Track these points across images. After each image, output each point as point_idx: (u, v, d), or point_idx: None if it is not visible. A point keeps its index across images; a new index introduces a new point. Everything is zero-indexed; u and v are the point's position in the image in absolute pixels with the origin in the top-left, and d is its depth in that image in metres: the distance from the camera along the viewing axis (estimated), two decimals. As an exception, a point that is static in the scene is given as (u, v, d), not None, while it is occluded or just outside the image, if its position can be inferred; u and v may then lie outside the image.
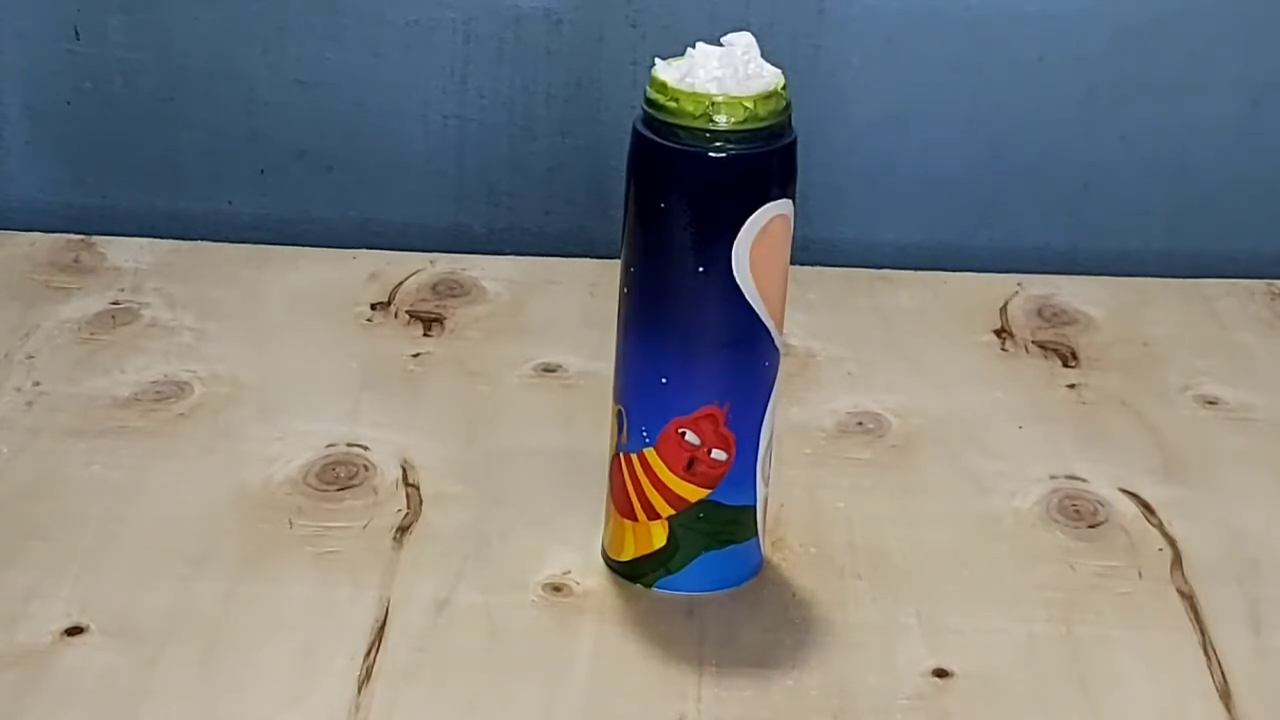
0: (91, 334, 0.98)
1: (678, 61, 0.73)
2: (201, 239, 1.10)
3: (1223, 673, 0.76)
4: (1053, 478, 0.89)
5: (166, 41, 1.11)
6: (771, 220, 0.73)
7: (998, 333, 1.03)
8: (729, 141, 0.72)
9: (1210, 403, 0.96)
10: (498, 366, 0.97)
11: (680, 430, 0.76)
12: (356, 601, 0.78)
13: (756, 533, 0.80)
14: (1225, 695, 0.75)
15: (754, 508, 0.79)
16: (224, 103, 1.12)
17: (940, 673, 0.75)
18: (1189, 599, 0.80)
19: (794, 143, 0.74)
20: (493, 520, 0.84)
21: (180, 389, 0.93)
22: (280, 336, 0.99)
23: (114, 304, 1.02)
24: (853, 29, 1.10)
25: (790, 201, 0.74)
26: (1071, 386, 0.97)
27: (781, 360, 0.77)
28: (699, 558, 0.78)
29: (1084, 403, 0.96)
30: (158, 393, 0.93)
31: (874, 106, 1.12)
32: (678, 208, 0.73)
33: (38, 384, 0.93)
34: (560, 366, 0.97)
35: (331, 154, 1.13)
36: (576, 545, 0.82)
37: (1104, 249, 1.14)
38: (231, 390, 0.93)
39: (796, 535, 0.83)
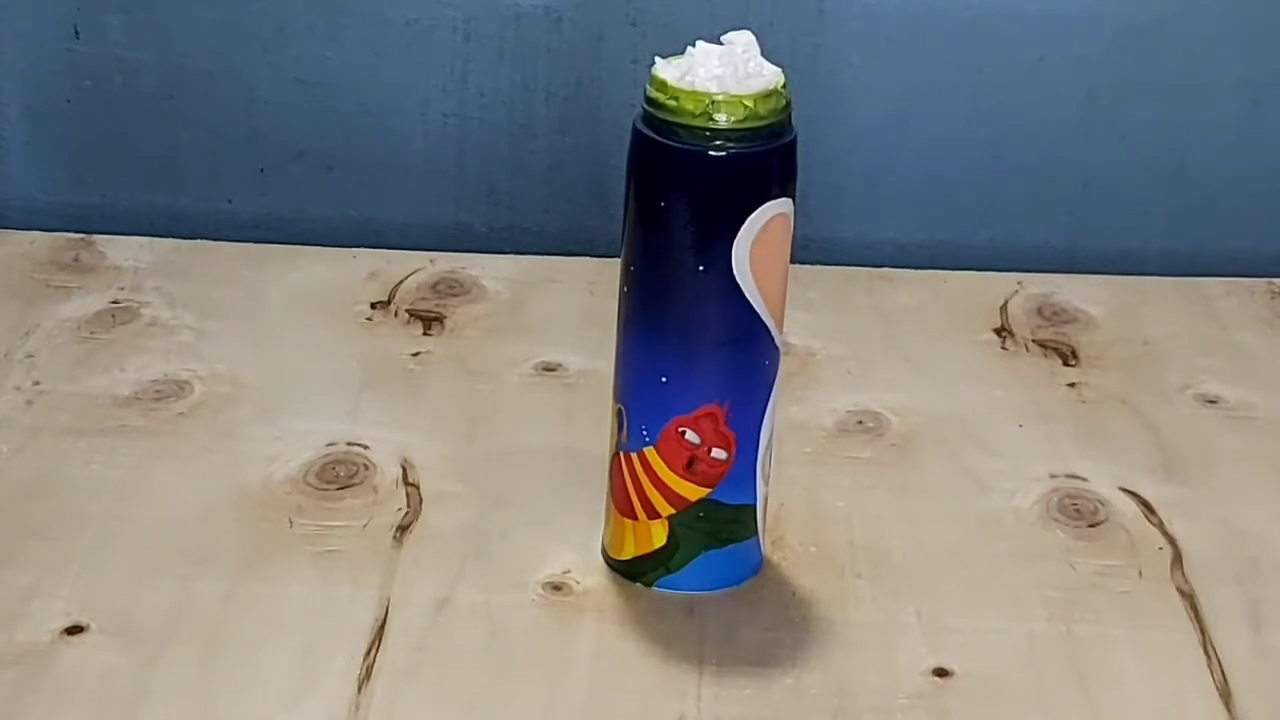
0: (91, 333, 0.98)
1: (678, 60, 0.73)
2: (201, 238, 1.10)
3: (1223, 672, 0.76)
4: (1053, 477, 0.89)
5: (166, 41, 1.11)
6: (771, 219, 0.73)
7: (998, 331, 1.03)
8: (729, 140, 0.72)
9: (1210, 402, 0.96)
10: (498, 365, 0.97)
11: (680, 429, 0.76)
12: (356, 601, 0.78)
13: (756, 532, 0.80)
14: (1225, 694, 0.75)
15: (754, 507, 0.79)
16: (224, 103, 1.12)
17: (940, 672, 0.75)
18: (1189, 598, 0.80)
19: (794, 141, 0.74)
20: (493, 519, 0.84)
21: (180, 388, 0.93)
22: (280, 336, 0.99)
23: (114, 303, 1.02)
24: (853, 28, 1.10)
25: (790, 200, 0.74)
26: (1071, 385, 0.97)
27: (781, 359, 0.77)
28: (699, 557, 0.78)
29: (1084, 402, 0.96)
30: (158, 392, 0.93)
31: (874, 106, 1.12)
32: (678, 206, 0.73)
33: (38, 383, 0.93)
34: (560, 365, 0.97)
35: (331, 154, 1.13)
36: (576, 544, 0.82)
37: (1104, 248, 1.14)
38: (231, 389, 0.93)
39: (796, 534, 0.83)
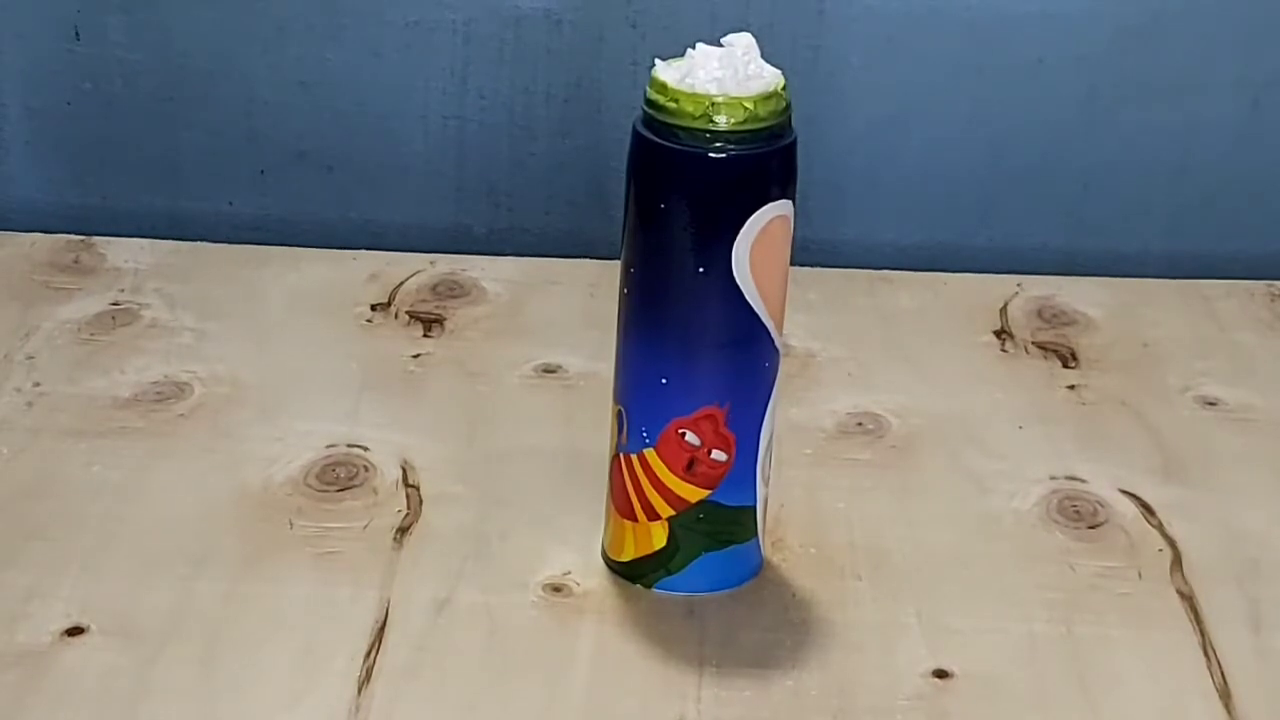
0: (91, 334, 0.98)
1: (678, 62, 0.73)
2: (201, 239, 1.10)
3: (1223, 673, 0.76)
4: (1053, 478, 0.89)
5: (166, 41, 1.11)
6: (771, 221, 0.73)
7: (998, 333, 1.03)
8: (729, 142, 0.72)
9: (1210, 403, 0.96)
10: (498, 367, 0.97)
11: (680, 431, 0.76)
12: (356, 601, 0.78)
13: (756, 533, 0.80)
14: (1225, 695, 0.75)
15: (754, 508, 0.79)
16: (224, 103, 1.12)
17: (940, 673, 0.75)
18: (1189, 599, 0.80)
19: (794, 143, 0.74)
20: (493, 520, 0.84)
21: (180, 389, 0.93)
22: (280, 337, 0.99)
23: (114, 304, 1.02)
24: (853, 29, 1.10)
25: (790, 202, 0.74)
26: (1071, 387, 0.97)
27: (781, 361, 0.77)
28: (699, 558, 0.78)
29: (1084, 403, 0.96)
30: (158, 393, 0.93)
31: (874, 106, 1.12)
32: (678, 208, 0.73)
33: (38, 384, 0.93)
34: (560, 367, 0.97)
35: (331, 154, 1.13)
36: (576, 545, 0.82)
37: (1104, 249, 1.14)
38: (231, 390, 0.93)
39: (796, 535, 0.83)
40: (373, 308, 1.03)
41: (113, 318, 1.00)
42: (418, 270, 1.07)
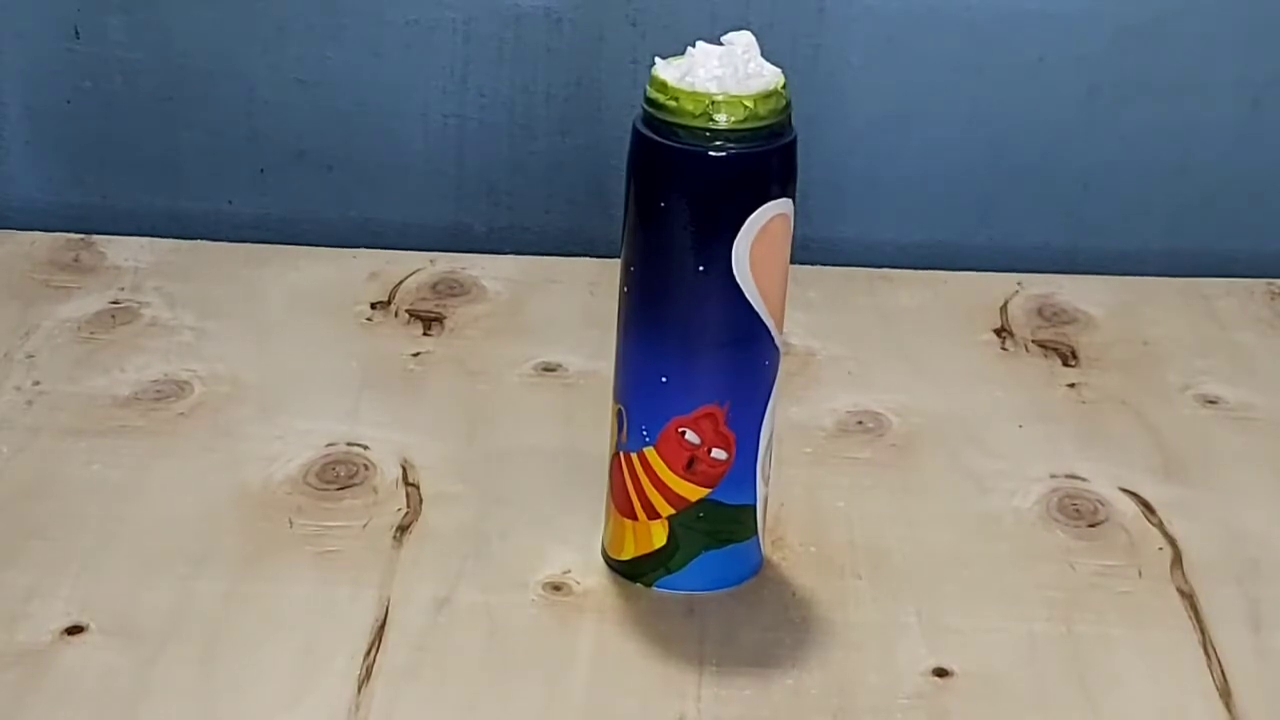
0: (91, 333, 0.98)
1: (678, 60, 0.73)
2: (202, 239, 1.10)
3: (1223, 672, 0.76)
4: (1053, 477, 0.89)
5: (166, 41, 1.11)
6: (771, 219, 0.73)
7: (998, 332, 1.03)
8: (729, 141, 0.72)
9: (1210, 402, 0.96)
10: (498, 366, 0.97)
11: (680, 429, 0.76)
12: (356, 601, 0.78)
13: (756, 532, 0.80)
14: (1225, 694, 0.75)
15: (754, 507, 0.79)
16: (224, 103, 1.12)
17: (940, 672, 0.75)
18: (1189, 598, 0.80)
19: (794, 142, 0.74)
20: (493, 520, 0.84)
21: (180, 388, 0.93)
22: (280, 336, 0.99)
23: (114, 303, 1.02)
24: (853, 29, 1.10)
25: (790, 201, 0.74)
26: (1071, 386, 0.97)
27: (781, 359, 0.77)
28: (699, 557, 0.78)
29: (1084, 402, 0.96)
30: (158, 392, 0.93)
31: (874, 106, 1.12)
32: (678, 207, 0.73)
33: (38, 383, 0.93)
34: (560, 366, 0.97)
35: (331, 154, 1.13)
36: (576, 545, 0.82)
37: (1104, 249, 1.14)
38: (231, 390, 0.93)
39: (796, 534, 0.83)
40: (373, 306, 1.03)
41: (113, 316, 1.00)
42: (418, 269, 1.07)
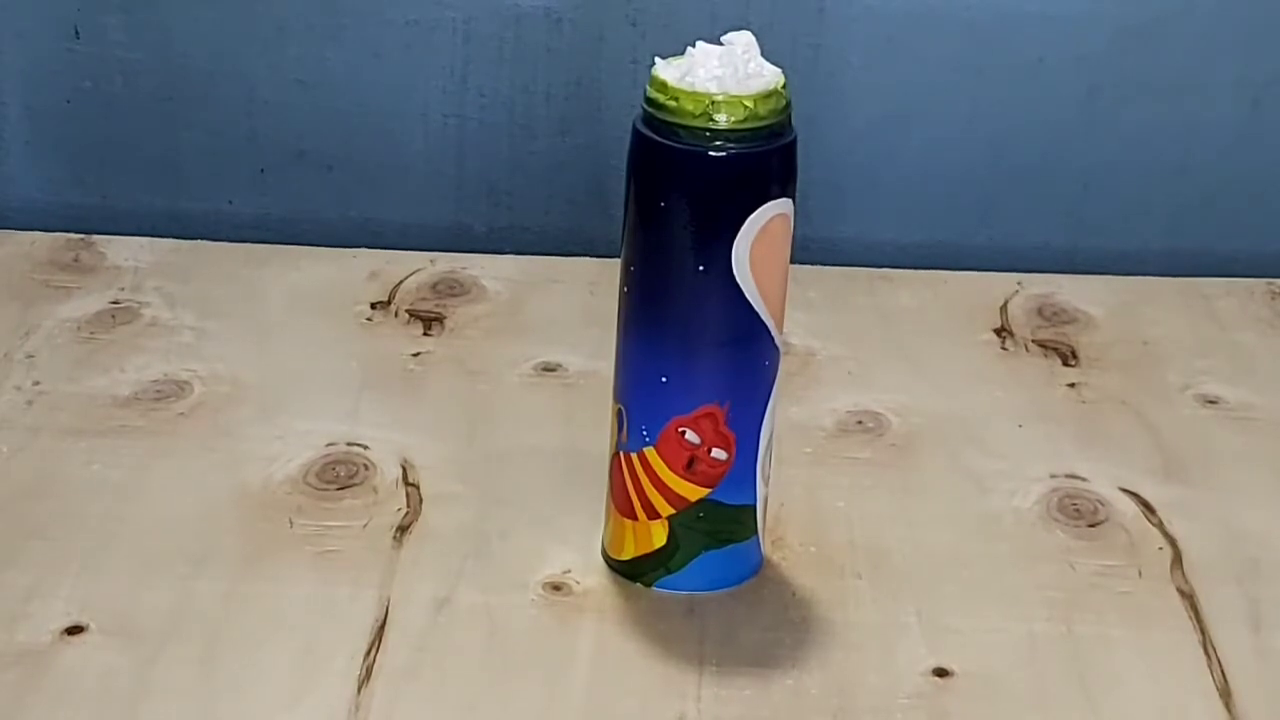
0: (91, 333, 0.98)
1: (678, 60, 0.73)
2: (202, 239, 1.10)
3: (1223, 672, 0.76)
4: (1053, 477, 0.89)
5: (166, 41, 1.11)
6: (771, 219, 0.73)
7: (998, 332, 1.03)
8: (729, 140, 0.72)
9: (1210, 402, 0.96)
10: (498, 366, 0.97)
11: (680, 429, 0.76)
12: (356, 601, 0.78)
13: (756, 532, 0.80)
14: (1225, 694, 0.75)
15: (754, 507, 0.79)
16: (224, 103, 1.12)
17: (940, 672, 0.75)
18: (1189, 598, 0.80)
19: (794, 142, 0.74)
20: (493, 520, 0.84)
21: (180, 388, 0.93)
22: (280, 336, 0.99)
23: (114, 303, 1.02)
24: (853, 29, 1.10)
25: (790, 200, 0.74)
26: (1071, 386, 0.97)
27: (781, 359, 0.77)
28: (699, 557, 0.78)
29: (1084, 402, 0.96)
30: (158, 392, 0.93)
31: (874, 106, 1.12)
32: (678, 207, 0.73)
33: (38, 383, 0.93)
34: (560, 366, 0.97)
35: (331, 154, 1.13)
36: (576, 544, 0.82)
37: (1104, 249, 1.14)
38: (231, 390, 0.93)
39: (796, 534, 0.83)
40: (373, 306, 1.03)
41: (113, 316, 1.00)
42: (418, 269, 1.07)
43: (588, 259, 1.08)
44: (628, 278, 0.75)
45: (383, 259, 1.08)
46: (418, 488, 0.86)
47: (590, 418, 0.88)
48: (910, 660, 0.76)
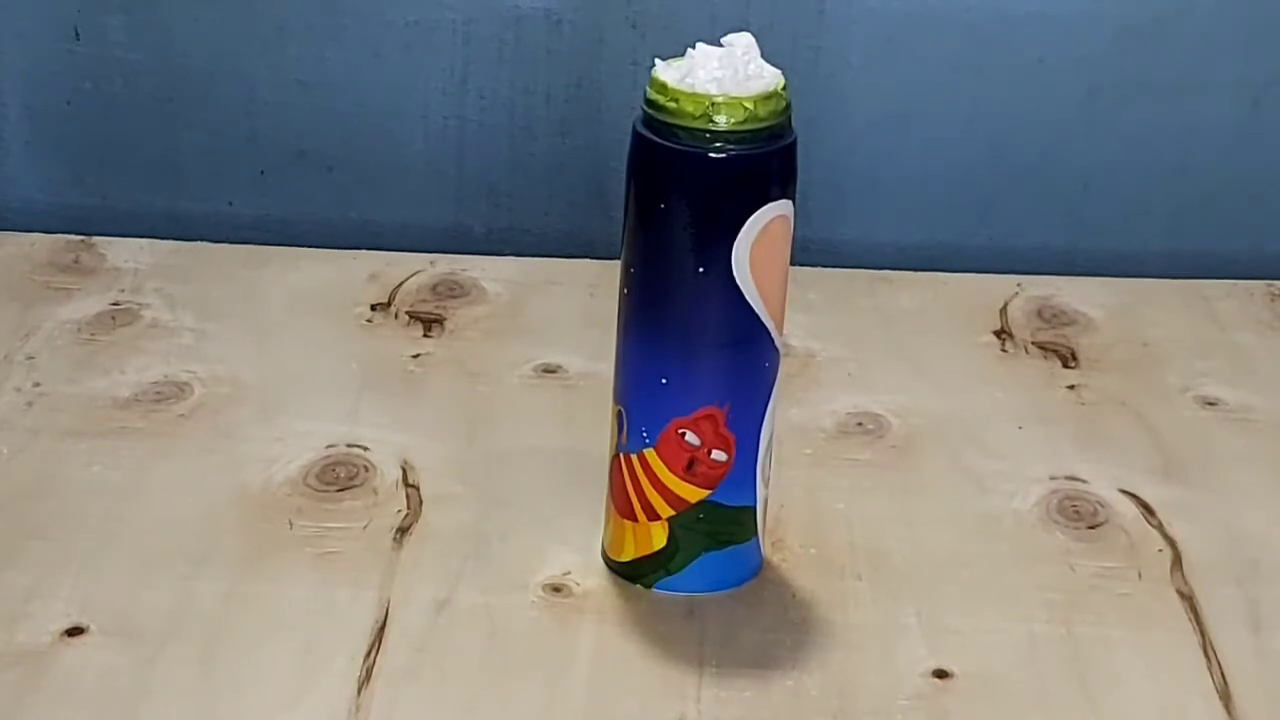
0: (91, 334, 0.98)
1: (678, 62, 0.73)
2: (201, 239, 1.10)
3: (1223, 673, 0.76)
4: (1052, 478, 0.89)
5: (166, 41, 1.11)
6: (771, 221, 0.73)
7: (998, 333, 1.03)
8: (729, 142, 0.72)
9: (1210, 403, 0.96)
10: (498, 367, 0.97)
11: (680, 431, 0.76)
12: (356, 601, 0.78)
13: (756, 533, 0.80)
14: (1225, 695, 0.75)
15: (754, 508, 0.79)
16: (224, 103, 1.12)
17: (940, 673, 0.75)
18: (1189, 599, 0.80)
19: (794, 143, 0.74)
20: (493, 520, 0.84)
21: (180, 389, 0.93)
22: (280, 337, 0.99)
23: (114, 304, 1.02)
24: (853, 29, 1.10)
25: (790, 202, 0.74)
26: (1071, 387, 0.97)
27: (781, 361, 0.77)
28: (699, 558, 0.78)
29: (1084, 403, 0.96)
30: (158, 393, 0.93)
31: (874, 106, 1.12)
32: (678, 208, 0.73)
33: (38, 384, 0.93)
34: (560, 367, 0.97)
35: (331, 154, 1.13)
36: (576, 545, 0.82)
37: (1104, 249, 1.14)
38: (231, 390, 0.93)
39: (796, 536, 0.83)
40: (373, 308, 1.03)
41: (113, 318, 1.00)
42: (418, 270, 1.07)
43: (588, 260, 1.08)
44: (628, 279, 0.75)
45: (383, 260, 1.08)
46: (418, 489, 0.86)
47: (590, 419, 0.88)
48: (910, 661, 0.76)
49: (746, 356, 0.75)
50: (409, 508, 0.84)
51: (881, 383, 0.97)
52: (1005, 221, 1.14)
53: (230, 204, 1.14)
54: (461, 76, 1.11)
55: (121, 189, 1.14)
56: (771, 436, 0.78)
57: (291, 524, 0.83)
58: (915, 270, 1.09)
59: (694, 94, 0.72)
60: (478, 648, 0.76)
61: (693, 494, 0.77)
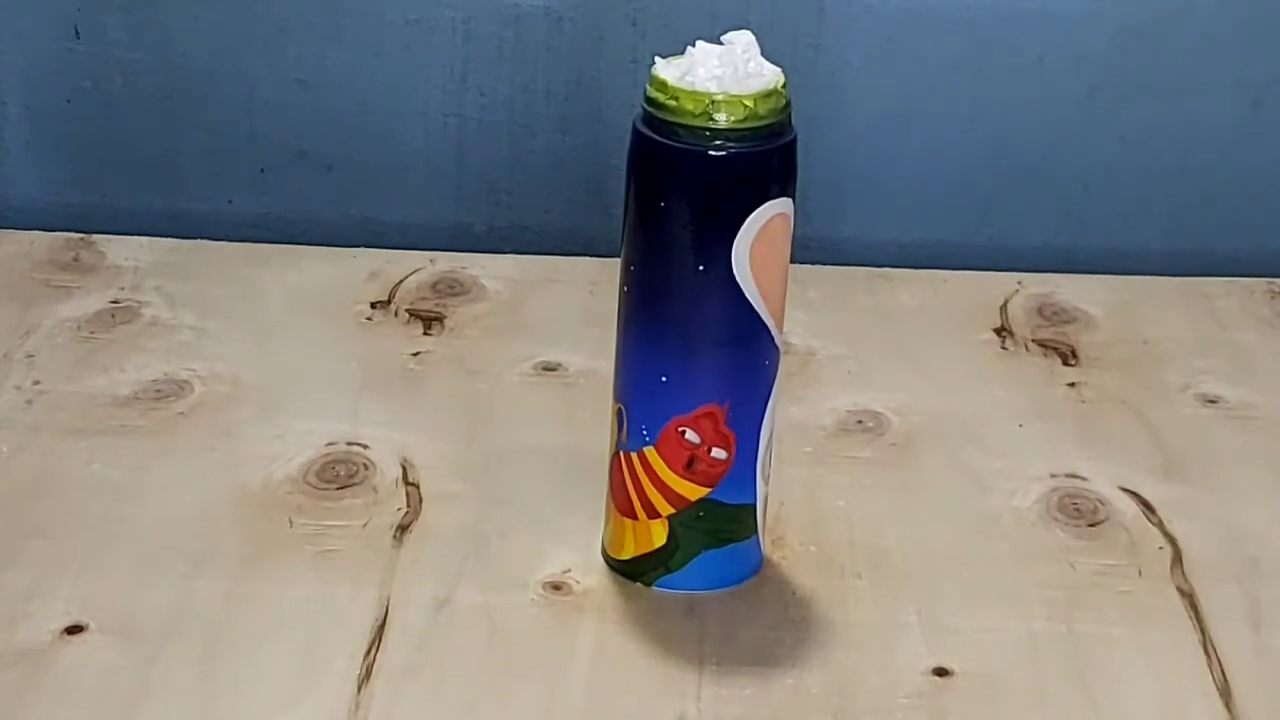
0: (91, 333, 0.98)
1: (678, 60, 0.73)
2: (201, 238, 1.10)
3: (1223, 671, 0.76)
4: (1053, 476, 0.89)
5: (166, 41, 1.11)
6: (771, 219, 0.73)
7: (998, 331, 1.03)
8: (729, 140, 0.72)
9: (1210, 402, 0.96)
10: (498, 365, 0.97)
11: (680, 429, 0.76)
12: (356, 601, 0.78)
13: (756, 531, 0.80)
14: (1225, 693, 0.75)
15: (754, 506, 0.79)
16: (224, 103, 1.12)
17: (940, 672, 0.75)
18: (1189, 597, 0.80)
19: (794, 141, 0.74)
20: (493, 519, 0.84)
21: (180, 388, 0.93)
22: (280, 336, 0.99)
23: (114, 303, 1.02)
24: (853, 29, 1.10)
25: (790, 200, 0.74)
26: (1071, 385, 0.97)
27: (781, 358, 0.77)
28: (699, 556, 0.78)
29: (1084, 401, 0.96)
30: (158, 391, 0.93)
31: (874, 106, 1.12)
32: (678, 206, 0.73)
33: (38, 383, 0.93)
34: (560, 365, 0.97)
35: (331, 154, 1.13)
36: (576, 544, 0.82)
37: (1104, 249, 1.14)
38: (231, 389, 0.93)
39: (796, 534, 0.83)
40: (373, 306, 1.03)
41: (112, 316, 1.00)
42: (418, 268, 1.07)
43: (588, 258, 1.08)
44: (628, 277, 0.75)
45: (383, 258, 1.08)
46: (418, 487, 0.86)
47: (590, 417, 0.88)
48: (910, 659, 0.76)
49: (746, 354, 0.75)
50: (409, 506, 0.84)
51: (881, 380, 0.97)
52: (1005, 221, 1.14)
53: (230, 202, 1.14)
54: (461, 74, 1.11)
55: (121, 188, 1.14)
56: (771, 434, 0.78)
57: (291, 522, 0.83)
58: (915, 268, 1.09)
59: (694, 92, 0.72)
60: (478, 646, 0.76)
61: (693, 492, 0.77)
